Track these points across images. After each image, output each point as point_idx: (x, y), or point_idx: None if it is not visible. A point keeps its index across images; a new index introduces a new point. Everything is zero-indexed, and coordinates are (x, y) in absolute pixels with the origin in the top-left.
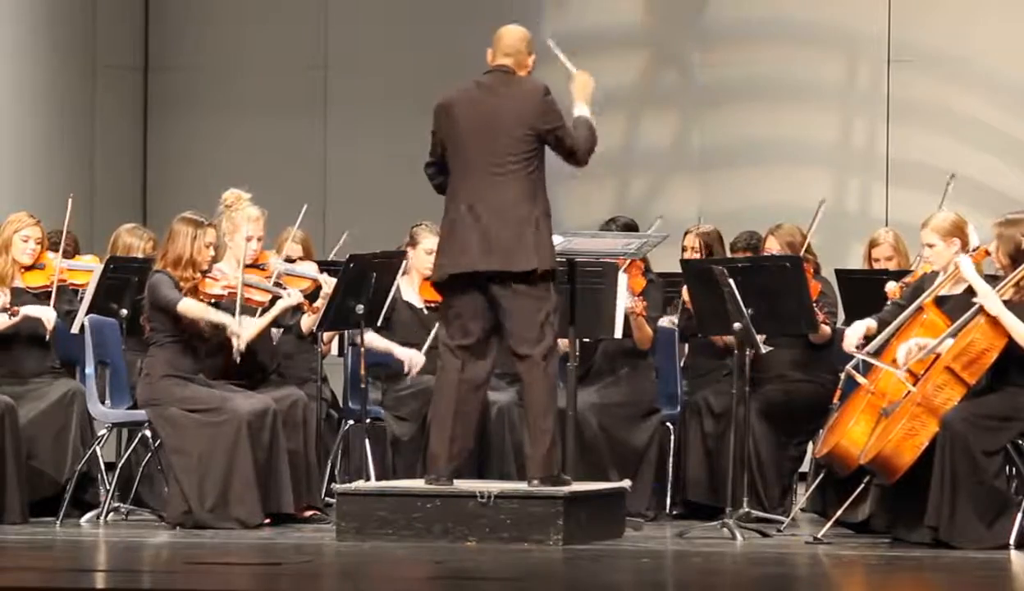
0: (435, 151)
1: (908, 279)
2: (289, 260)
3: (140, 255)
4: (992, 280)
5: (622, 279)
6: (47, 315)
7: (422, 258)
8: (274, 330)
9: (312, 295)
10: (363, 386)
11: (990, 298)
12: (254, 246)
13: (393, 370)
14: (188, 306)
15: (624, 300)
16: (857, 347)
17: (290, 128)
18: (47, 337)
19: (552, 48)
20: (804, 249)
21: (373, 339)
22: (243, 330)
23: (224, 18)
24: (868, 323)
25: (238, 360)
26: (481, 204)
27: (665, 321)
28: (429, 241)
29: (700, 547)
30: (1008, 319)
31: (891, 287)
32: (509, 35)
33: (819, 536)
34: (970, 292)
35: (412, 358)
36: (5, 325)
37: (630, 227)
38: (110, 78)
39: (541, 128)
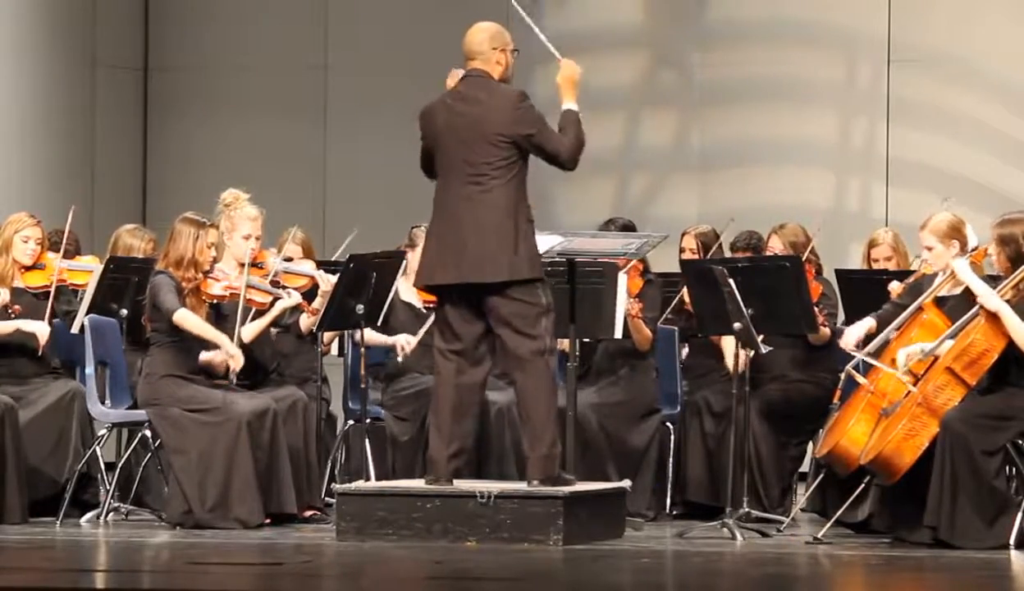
0: (425, 158)
1: (910, 279)
2: (288, 260)
3: (140, 256)
4: (992, 281)
5: (622, 279)
6: (41, 330)
7: None
8: (272, 329)
9: (310, 294)
10: (363, 386)
11: (989, 296)
12: (252, 246)
13: (392, 370)
14: (185, 318)
15: (624, 301)
16: (856, 346)
17: (290, 128)
18: (39, 352)
19: (525, 18)
20: (808, 250)
21: (369, 335)
22: (238, 345)
23: (224, 18)
24: (869, 323)
25: (233, 381)
26: (459, 214)
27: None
28: None
29: (700, 547)
30: (1008, 316)
31: (895, 286)
32: (471, 36)
33: (819, 536)
34: (970, 292)
35: (399, 341)
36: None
37: (628, 228)
38: (110, 78)
39: (517, 134)
